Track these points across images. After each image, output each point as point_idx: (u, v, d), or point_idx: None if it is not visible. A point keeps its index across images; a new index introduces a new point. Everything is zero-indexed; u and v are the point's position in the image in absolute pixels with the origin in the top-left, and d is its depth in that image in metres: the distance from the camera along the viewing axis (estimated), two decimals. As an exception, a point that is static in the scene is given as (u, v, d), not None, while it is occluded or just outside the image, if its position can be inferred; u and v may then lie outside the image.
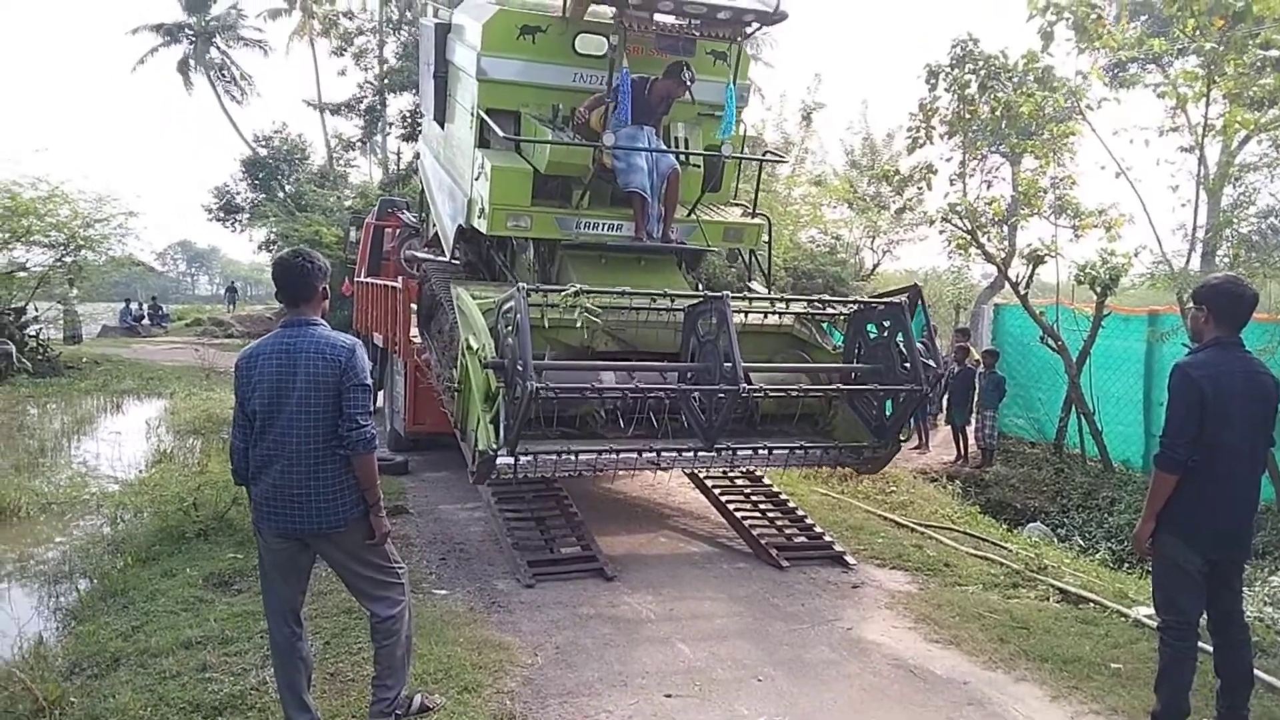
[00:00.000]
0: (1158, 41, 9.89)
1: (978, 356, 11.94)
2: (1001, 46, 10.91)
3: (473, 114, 7.29)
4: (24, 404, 14.76)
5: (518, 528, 6.79)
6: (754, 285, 8.41)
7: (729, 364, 5.60)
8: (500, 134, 6.95)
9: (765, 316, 7.21)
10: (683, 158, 7.36)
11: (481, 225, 7.19)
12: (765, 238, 8.06)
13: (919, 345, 6.14)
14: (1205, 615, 4.16)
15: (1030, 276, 11.23)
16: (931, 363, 6.17)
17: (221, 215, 33.30)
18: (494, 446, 5.49)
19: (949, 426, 11.82)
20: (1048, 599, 6.06)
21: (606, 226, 7.23)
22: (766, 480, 7.97)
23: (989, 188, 12.06)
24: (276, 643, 3.88)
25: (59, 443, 11.84)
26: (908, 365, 6.15)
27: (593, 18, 7.12)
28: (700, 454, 6.07)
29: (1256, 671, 4.45)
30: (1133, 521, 8.88)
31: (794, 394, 6.40)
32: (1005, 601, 5.97)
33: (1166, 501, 3.94)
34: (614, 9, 6.52)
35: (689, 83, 6.90)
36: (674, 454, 6.10)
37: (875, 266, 23.57)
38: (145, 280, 30.50)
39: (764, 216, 8.09)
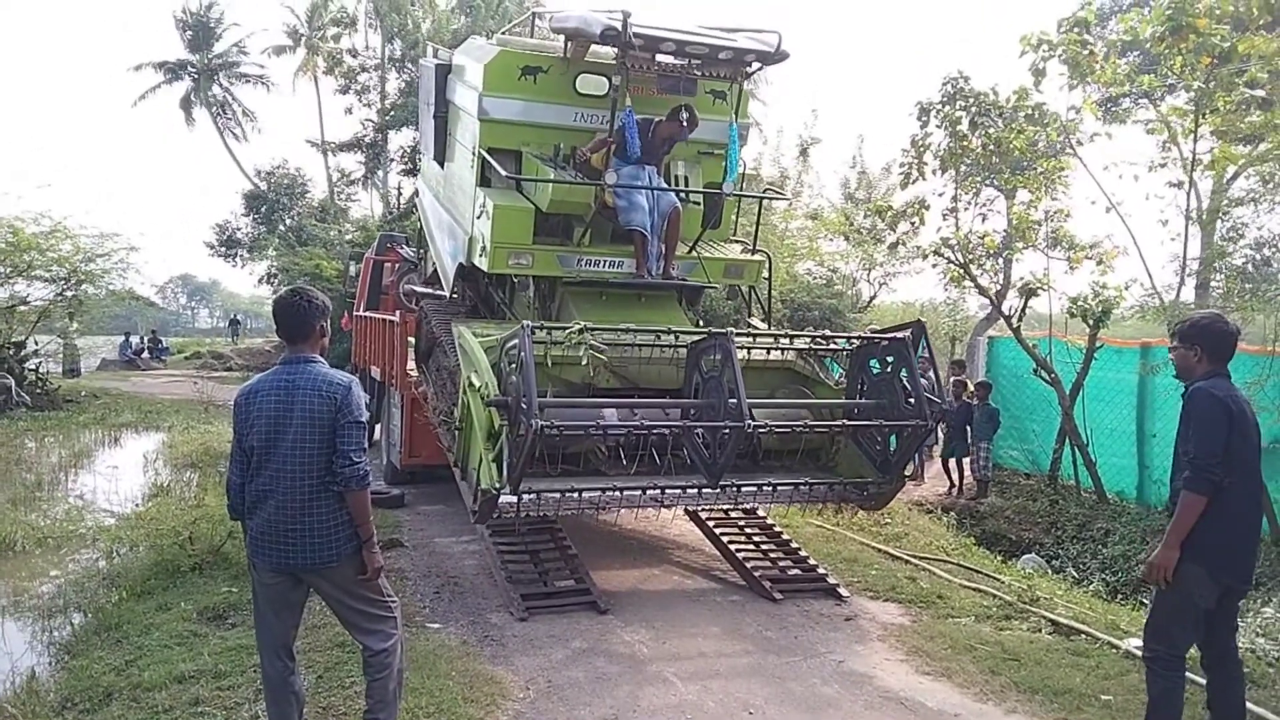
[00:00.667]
0: (1148, 78, 10.06)
1: (973, 389, 12.00)
2: (992, 84, 11.09)
3: (474, 153, 7.34)
4: (22, 437, 14.78)
5: (512, 561, 6.80)
6: (754, 321, 8.43)
7: (734, 400, 5.59)
8: (503, 172, 6.97)
9: (769, 352, 7.20)
10: (683, 196, 7.41)
11: (483, 263, 7.20)
12: (765, 274, 8.10)
13: (923, 380, 6.17)
14: (1197, 648, 4.20)
15: (1023, 309, 11.31)
16: (936, 398, 6.21)
17: (223, 251, 33.50)
18: (497, 485, 5.44)
19: (941, 459, 11.84)
20: (1040, 631, 6.07)
21: (608, 264, 7.26)
22: (761, 512, 7.98)
23: (984, 221, 12.21)
24: (269, 677, 3.90)
25: (56, 476, 11.85)
26: (912, 400, 6.15)
27: (594, 58, 7.17)
28: (704, 491, 6.03)
29: (1249, 704, 4.46)
30: (1127, 553, 8.92)
31: (799, 429, 6.39)
32: (998, 633, 5.99)
33: (1191, 529, 3.89)
34: (616, 49, 6.58)
35: (686, 124, 6.90)
36: (678, 491, 6.06)
37: (872, 299, 23.66)
38: (145, 313, 30.59)
39: (764, 253, 8.16)
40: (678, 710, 4.69)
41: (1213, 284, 13.78)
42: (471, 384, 5.78)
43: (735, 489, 6.16)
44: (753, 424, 5.56)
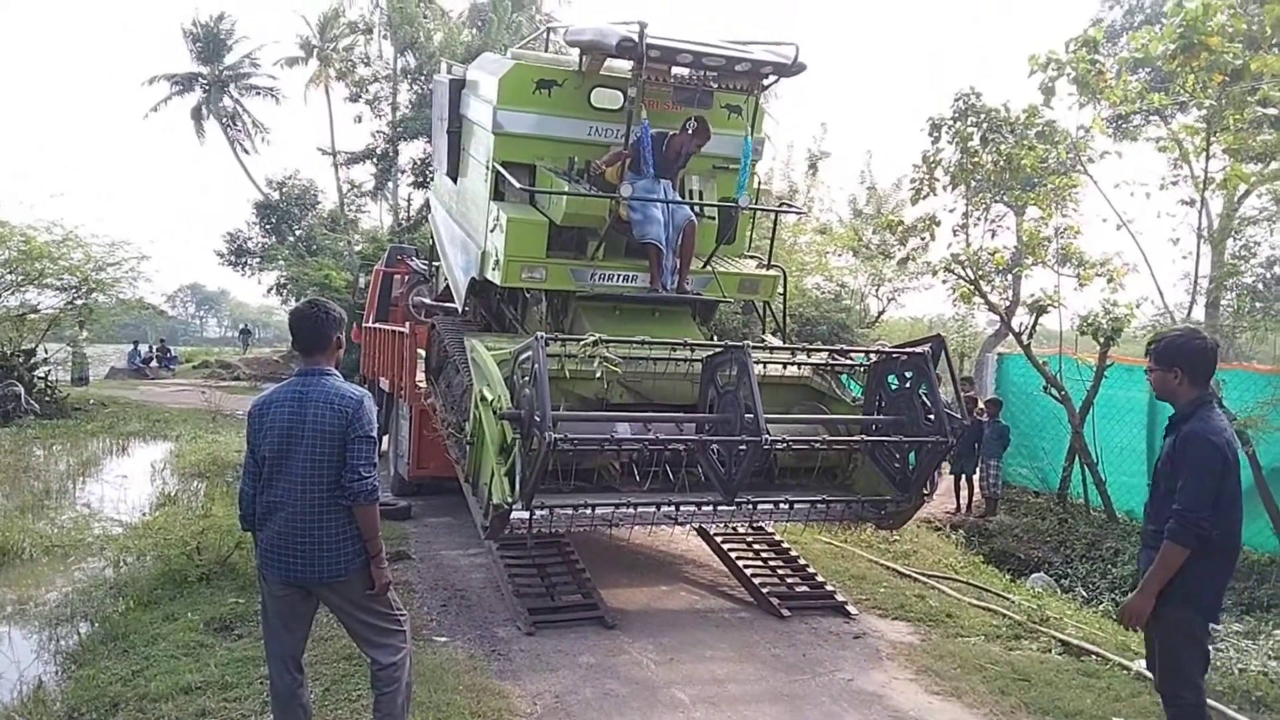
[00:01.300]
0: (1158, 96, 10.05)
1: (982, 406, 11.95)
2: (1004, 100, 11.10)
3: (488, 167, 7.31)
4: (30, 445, 14.81)
5: (519, 574, 6.78)
6: (768, 336, 8.37)
7: (750, 415, 5.51)
8: (517, 185, 6.94)
9: (785, 368, 7.13)
10: (698, 210, 7.39)
11: (496, 277, 7.17)
12: (780, 289, 8.05)
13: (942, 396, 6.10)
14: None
15: (1033, 326, 11.27)
16: (956, 414, 6.15)
17: (233, 260, 33.62)
18: (509, 500, 5.35)
19: (951, 476, 11.78)
20: (1050, 651, 6.03)
21: (622, 278, 7.21)
22: (769, 528, 7.94)
23: (993, 237, 12.17)
24: (277, 689, 3.89)
25: (64, 484, 11.85)
26: (932, 417, 6.06)
27: (609, 72, 7.15)
28: (720, 508, 5.93)
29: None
30: (1137, 573, 8.84)
31: (817, 446, 6.30)
32: (1007, 653, 5.95)
33: (1181, 574, 3.73)
34: (631, 62, 6.57)
35: (694, 133, 6.94)
36: (693, 508, 5.96)
37: (880, 314, 23.66)
38: (154, 322, 30.61)
39: (779, 268, 8.12)
40: (686, 728, 4.66)
41: (1224, 302, 13.73)
42: (484, 397, 5.69)
43: (751, 506, 6.06)
44: (770, 439, 5.47)
